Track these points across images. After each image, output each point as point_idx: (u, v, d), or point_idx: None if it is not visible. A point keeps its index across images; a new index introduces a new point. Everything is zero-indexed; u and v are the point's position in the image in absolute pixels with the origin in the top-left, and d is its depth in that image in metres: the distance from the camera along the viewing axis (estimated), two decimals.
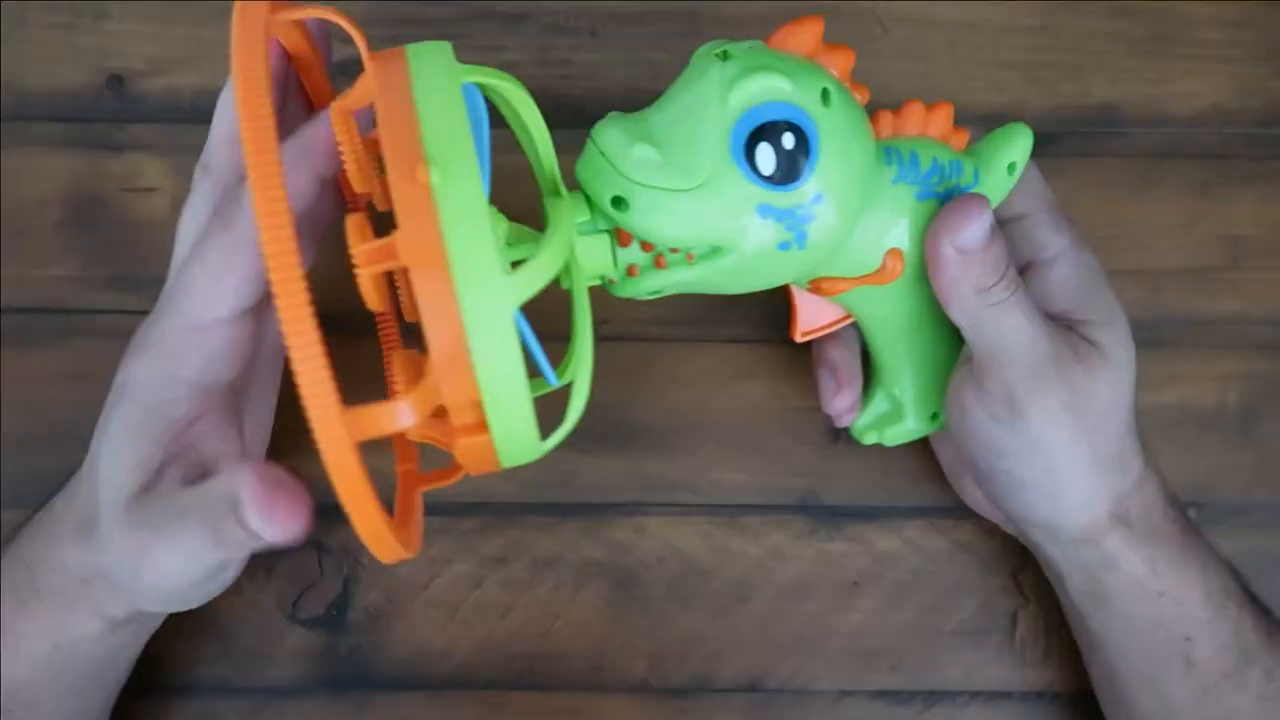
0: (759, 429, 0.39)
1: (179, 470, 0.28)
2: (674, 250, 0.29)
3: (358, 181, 0.28)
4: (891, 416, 0.36)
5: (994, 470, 0.33)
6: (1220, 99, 0.41)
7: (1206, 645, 0.33)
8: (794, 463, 0.40)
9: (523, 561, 0.39)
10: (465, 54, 0.26)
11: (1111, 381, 0.31)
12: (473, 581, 0.39)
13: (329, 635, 0.39)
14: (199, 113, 0.39)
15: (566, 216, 0.28)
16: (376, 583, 0.39)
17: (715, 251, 0.28)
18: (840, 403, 0.35)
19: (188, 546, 0.27)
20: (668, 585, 0.39)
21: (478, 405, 0.24)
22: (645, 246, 0.29)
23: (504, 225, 0.29)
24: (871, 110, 0.30)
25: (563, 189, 0.29)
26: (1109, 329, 0.32)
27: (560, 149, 0.29)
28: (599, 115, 0.29)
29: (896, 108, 0.31)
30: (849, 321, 0.34)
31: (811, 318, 0.34)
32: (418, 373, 0.26)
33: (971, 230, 0.29)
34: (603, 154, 0.28)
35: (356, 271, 0.24)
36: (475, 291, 0.23)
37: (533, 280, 0.25)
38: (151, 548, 0.27)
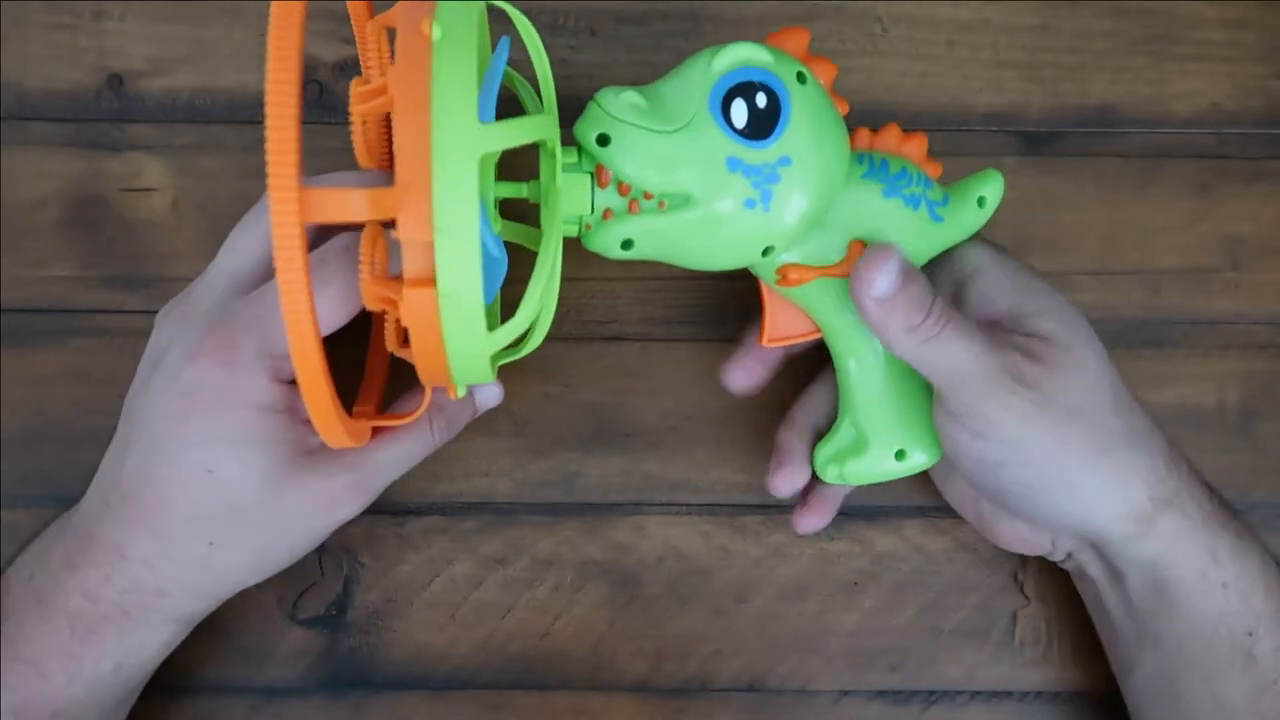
0: (759, 429, 0.39)
1: None
2: (648, 196, 0.30)
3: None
4: (854, 448, 0.35)
5: (1002, 486, 0.33)
6: (1220, 99, 0.41)
7: (1267, 641, 0.32)
8: None
9: (523, 561, 0.39)
10: None
11: (1074, 365, 0.32)
12: (473, 581, 0.39)
13: (329, 635, 0.39)
14: (198, 113, 0.39)
15: (553, 128, 0.30)
16: (376, 583, 0.39)
17: (686, 201, 0.30)
18: (776, 483, 0.36)
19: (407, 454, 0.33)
20: (668, 585, 0.39)
21: (429, 248, 0.25)
22: (622, 190, 0.31)
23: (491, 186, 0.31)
24: (852, 126, 0.33)
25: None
26: (1054, 316, 0.33)
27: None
28: None
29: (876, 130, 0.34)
30: (816, 336, 0.35)
31: (782, 325, 0.34)
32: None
33: (882, 280, 0.30)
34: (597, 103, 0.30)
35: (351, 113, 0.28)
36: (449, 129, 0.25)
37: (508, 135, 0.26)
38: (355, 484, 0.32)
